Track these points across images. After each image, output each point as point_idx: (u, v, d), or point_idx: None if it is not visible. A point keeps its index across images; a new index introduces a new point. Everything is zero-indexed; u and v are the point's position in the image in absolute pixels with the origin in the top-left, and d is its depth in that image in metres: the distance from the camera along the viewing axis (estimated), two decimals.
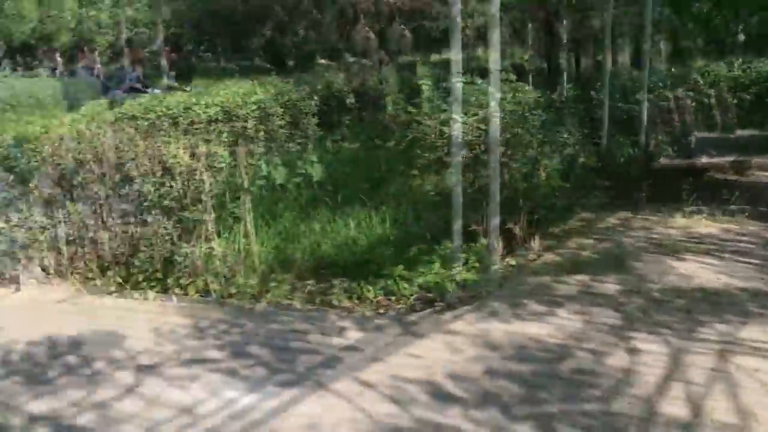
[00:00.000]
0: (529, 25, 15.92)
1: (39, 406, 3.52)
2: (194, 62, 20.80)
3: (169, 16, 23.80)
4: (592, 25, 15.02)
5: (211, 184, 5.11)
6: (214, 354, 4.14)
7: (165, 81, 13.01)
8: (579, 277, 5.18)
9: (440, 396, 3.56)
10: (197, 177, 5.05)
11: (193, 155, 5.04)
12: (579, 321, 4.40)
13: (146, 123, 6.64)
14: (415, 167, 6.33)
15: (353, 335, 4.40)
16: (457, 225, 4.96)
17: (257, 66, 24.02)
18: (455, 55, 4.80)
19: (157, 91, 10.98)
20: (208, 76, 20.13)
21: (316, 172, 7.21)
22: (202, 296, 5.13)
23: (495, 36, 4.93)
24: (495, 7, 4.89)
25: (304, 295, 5.12)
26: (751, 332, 4.14)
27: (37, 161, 5.30)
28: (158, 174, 5.21)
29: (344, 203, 6.78)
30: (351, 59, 12.64)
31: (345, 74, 11.55)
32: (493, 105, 4.97)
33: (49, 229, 5.31)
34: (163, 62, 20.60)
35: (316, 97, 9.52)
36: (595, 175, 7.03)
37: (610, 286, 4.98)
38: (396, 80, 11.44)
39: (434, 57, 23.98)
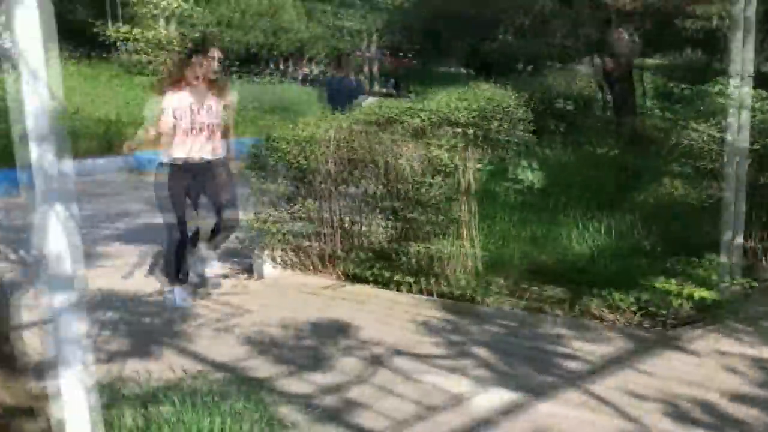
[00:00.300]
0: None
1: (288, 384, 3.86)
2: (408, 69, 21.64)
3: (381, 26, 24.93)
4: None
5: (462, 185, 5.31)
6: (442, 351, 4.28)
7: (383, 88, 13.64)
8: None
9: (680, 417, 3.38)
10: (447, 180, 5.29)
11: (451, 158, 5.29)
12: None
13: (381, 126, 6.98)
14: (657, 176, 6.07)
15: (579, 345, 4.32)
16: (726, 237, 4.72)
17: (464, 72, 24.30)
18: (736, 55, 4.61)
19: (372, 98, 11.50)
20: (420, 82, 20.75)
21: (536, 178, 7.17)
22: (422, 294, 5.32)
23: (750, 40, 4.64)
24: (751, 10, 4.61)
25: (524, 300, 5.12)
26: None
27: (284, 161, 5.79)
28: (387, 175, 5.51)
29: (561, 211, 6.66)
30: (571, 64, 12.37)
31: (564, 80, 11.34)
32: (745, 114, 4.67)
33: (291, 222, 5.79)
34: (374, 69, 21.66)
35: (532, 103, 9.42)
36: None
37: None
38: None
39: (649, 61, 22.63)
